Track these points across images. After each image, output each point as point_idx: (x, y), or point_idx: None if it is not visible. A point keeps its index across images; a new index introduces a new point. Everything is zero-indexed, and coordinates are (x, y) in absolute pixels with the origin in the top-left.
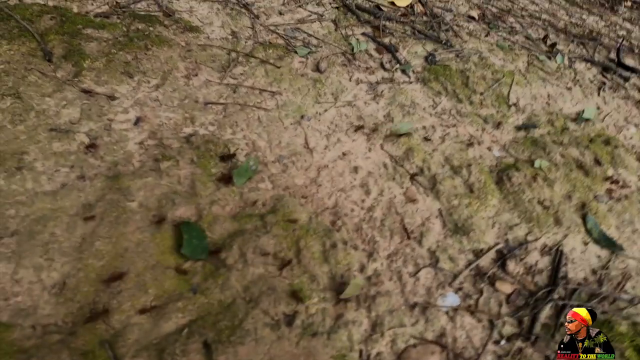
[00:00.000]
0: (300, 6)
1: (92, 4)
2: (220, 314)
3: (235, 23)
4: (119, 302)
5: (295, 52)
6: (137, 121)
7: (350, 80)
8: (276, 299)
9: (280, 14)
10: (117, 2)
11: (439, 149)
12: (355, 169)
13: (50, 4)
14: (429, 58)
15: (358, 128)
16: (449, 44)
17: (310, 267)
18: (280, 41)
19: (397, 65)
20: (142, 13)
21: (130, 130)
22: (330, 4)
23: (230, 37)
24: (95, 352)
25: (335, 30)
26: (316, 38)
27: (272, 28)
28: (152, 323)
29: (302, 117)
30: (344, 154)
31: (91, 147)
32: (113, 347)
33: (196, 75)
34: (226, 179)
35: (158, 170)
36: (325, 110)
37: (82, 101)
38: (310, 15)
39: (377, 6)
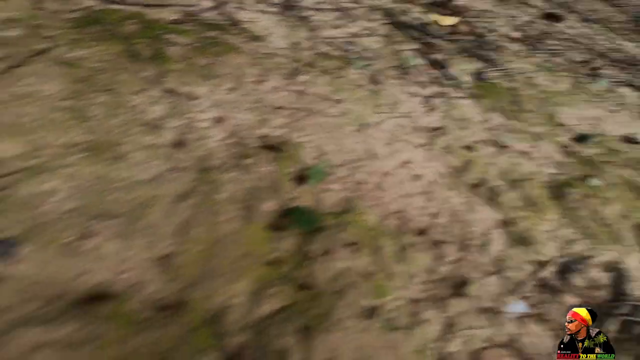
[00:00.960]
0: (352, 21)
1: (166, 12)
2: (310, 302)
3: (294, 34)
4: (216, 286)
5: (352, 64)
6: (217, 121)
7: (404, 92)
8: (358, 292)
9: (335, 27)
10: (188, 11)
11: (494, 163)
12: (417, 177)
13: (128, 10)
14: (478, 75)
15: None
16: (495, 63)
17: (387, 266)
18: (337, 53)
19: (448, 81)
20: (211, 22)
21: (211, 129)
22: (380, 20)
23: (291, 47)
24: (200, 329)
25: (387, 45)
26: (370, 51)
27: (328, 40)
28: (247, 307)
29: (363, 125)
30: (404, 162)
31: (178, 142)
32: (215, 326)
33: (264, 81)
34: (300, 179)
35: (240, 167)
36: (384, 120)
37: (167, 100)
38: (362, 30)
39: (425, 24)
